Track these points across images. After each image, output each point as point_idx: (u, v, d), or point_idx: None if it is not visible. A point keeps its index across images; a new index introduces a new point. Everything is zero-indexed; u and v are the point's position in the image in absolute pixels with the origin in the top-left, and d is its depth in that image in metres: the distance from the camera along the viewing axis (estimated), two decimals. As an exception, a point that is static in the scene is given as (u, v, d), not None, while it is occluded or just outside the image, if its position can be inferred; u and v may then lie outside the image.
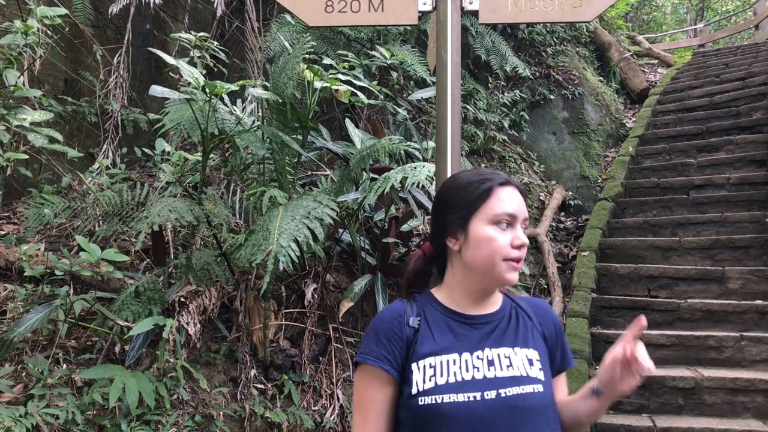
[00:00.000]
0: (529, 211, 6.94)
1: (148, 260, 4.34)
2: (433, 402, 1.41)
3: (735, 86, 8.72)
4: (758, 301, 4.93)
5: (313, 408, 3.64)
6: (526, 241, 1.50)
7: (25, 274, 3.67)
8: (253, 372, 3.59)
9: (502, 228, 1.48)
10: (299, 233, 2.89)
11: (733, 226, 5.94)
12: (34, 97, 3.81)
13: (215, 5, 5.83)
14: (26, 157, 3.23)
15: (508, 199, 1.50)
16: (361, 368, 1.50)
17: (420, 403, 1.42)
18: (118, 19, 5.75)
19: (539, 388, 1.45)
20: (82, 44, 5.47)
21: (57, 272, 3.33)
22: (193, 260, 3.64)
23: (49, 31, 2.90)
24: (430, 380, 1.43)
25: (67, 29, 4.72)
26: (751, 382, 4.17)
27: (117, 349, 3.43)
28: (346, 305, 3.84)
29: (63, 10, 2.76)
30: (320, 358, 3.93)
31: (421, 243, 4.50)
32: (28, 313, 3.09)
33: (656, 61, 12.85)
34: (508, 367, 1.46)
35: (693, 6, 21.55)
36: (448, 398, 1.40)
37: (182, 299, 3.44)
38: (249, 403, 3.44)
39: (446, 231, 1.55)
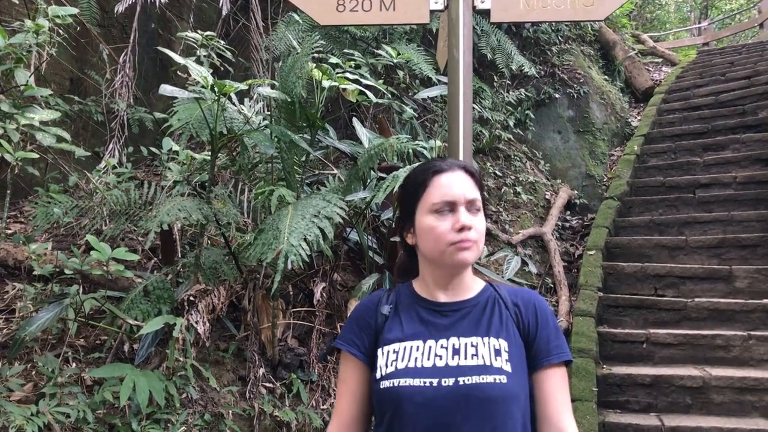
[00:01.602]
0: (534, 210, 7.03)
1: (156, 259, 4.35)
2: (392, 386, 1.43)
3: (740, 85, 8.70)
4: (766, 300, 4.91)
5: (321, 407, 3.65)
6: (467, 222, 1.47)
7: (34, 273, 3.68)
8: (261, 371, 3.59)
9: (444, 215, 1.49)
10: (309, 232, 2.89)
11: (740, 225, 5.92)
12: (41, 96, 3.81)
13: (221, 4, 5.84)
14: (36, 156, 3.24)
15: (444, 186, 1.51)
16: (340, 354, 1.61)
17: (381, 387, 1.46)
18: (124, 18, 5.76)
19: (502, 379, 1.41)
20: (88, 43, 5.48)
21: (66, 271, 3.34)
22: (202, 259, 3.64)
23: (60, 30, 2.90)
24: (391, 365, 1.47)
25: (78, 28, 4.73)
26: (759, 381, 4.16)
27: (126, 347, 3.44)
28: (354, 304, 3.84)
29: (73, 10, 2.76)
30: (328, 357, 3.93)
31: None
32: (39, 312, 3.10)
33: (661, 60, 12.84)
34: (473, 356, 1.45)
35: (697, 4, 21.50)
36: (404, 382, 1.42)
37: (191, 298, 3.44)
38: (258, 401, 3.45)
39: (403, 227, 1.61)
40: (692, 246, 5.77)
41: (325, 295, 3.91)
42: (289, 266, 3.67)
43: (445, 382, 1.41)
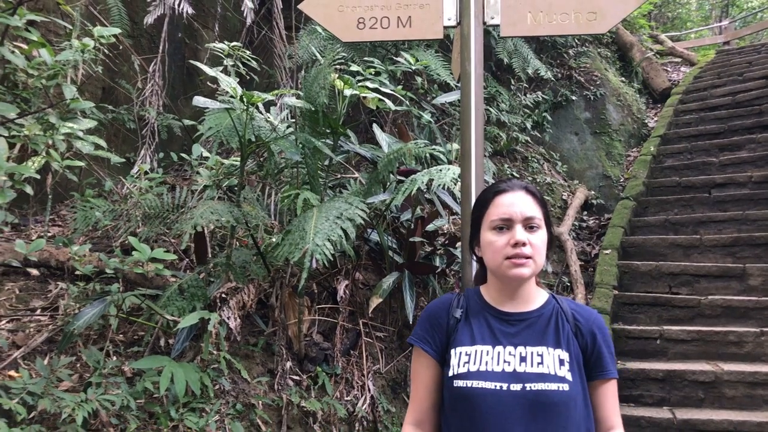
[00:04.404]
0: (551, 211, 7.15)
1: (187, 260, 4.58)
2: (465, 385, 1.61)
3: (758, 85, 8.73)
4: (779, 298, 5.01)
5: (345, 398, 3.85)
6: (522, 238, 1.64)
7: (75, 273, 3.93)
8: (288, 364, 3.80)
9: (502, 232, 1.68)
10: (333, 233, 3.09)
11: (755, 224, 6.00)
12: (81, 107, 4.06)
13: (244, 14, 6.07)
14: (82, 164, 3.48)
15: (502, 205, 1.70)
16: (413, 348, 1.79)
17: (455, 384, 1.64)
18: (152, 29, 6.02)
19: (565, 387, 1.58)
20: (119, 54, 5.74)
21: (108, 270, 3.57)
22: (233, 259, 3.86)
23: (99, 44, 3.14)
24: (464, 366, 1.65)
25: (111, 40, 4.99)
26: (770, 376, 4.27)
27: (162, 342, 3.67)
28: (376, 301, 4.04)
29: (116, 30, 3.00)
30: (351, 352, 4.13)
31: (446, 242, 4.68)
32: (84, 308, 3.33)
33: (679, 60, 12.85)
34: (539, 364, 1.62)
35: (718, 2, 21.36)
36: (477, 384, 1.60)
37: (223, 295, 3.66)
38: (286, 393, 3.66)
39: (473, 241, 1.82)
40: (707, 245, 5.87)
41: (347, 292, 4.11)
42: (314, 265, 3.88)
43: (513, 387, 1.59)
